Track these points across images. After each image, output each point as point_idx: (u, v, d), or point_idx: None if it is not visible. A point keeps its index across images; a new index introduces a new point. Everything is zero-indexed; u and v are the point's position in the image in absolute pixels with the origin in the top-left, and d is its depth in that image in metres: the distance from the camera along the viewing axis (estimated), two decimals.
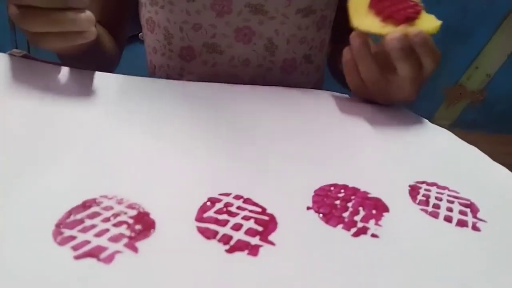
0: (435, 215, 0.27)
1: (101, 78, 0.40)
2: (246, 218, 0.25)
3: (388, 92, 0.41)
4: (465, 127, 1.67)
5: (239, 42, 0.51)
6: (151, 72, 0.59)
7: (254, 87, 0.45)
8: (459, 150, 0.37)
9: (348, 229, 0.25)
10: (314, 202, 0.27)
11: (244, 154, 0.32)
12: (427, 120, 0.43)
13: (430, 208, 0.28)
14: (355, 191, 0.29)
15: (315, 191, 0.28)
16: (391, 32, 0.37)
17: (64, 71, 0.39)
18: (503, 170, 0.34)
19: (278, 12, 0.50)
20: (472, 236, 0.26)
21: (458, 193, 0.30)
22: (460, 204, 0.29)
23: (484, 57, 1.54)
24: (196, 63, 0.53)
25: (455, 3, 1.35)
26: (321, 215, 0.26)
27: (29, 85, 0.36)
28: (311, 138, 0.36)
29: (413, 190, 0.30)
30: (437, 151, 0.36)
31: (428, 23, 0.38)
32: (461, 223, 0.27)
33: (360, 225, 0.25)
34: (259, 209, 0.25)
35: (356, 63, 0.40)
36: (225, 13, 0.49)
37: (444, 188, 0.31)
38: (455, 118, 1.68)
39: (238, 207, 0.25)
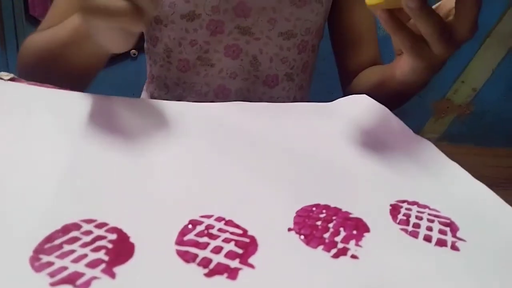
0: (415, 234, 0.28)
1: (86, 99, 0.40)
2: (226, 240, 0.25)
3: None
4: (453, 140, 1.69)
5: (228, 57, 0.58)
6: (150, 81, 0.66)
7: (237, 104, 0.45)
8: (441, 167, 0.38)
9: (328, 250, 0.25)
10: (295, 223, 0.27)
11: (227, 174, 0.32)
12: (412, 132, 0.43)
13: (410, 228, 0.28)
14: (336, 211, 0.29)
15: (297, 212, 0.28)
16: None
17: (51, 93, 0.39)
18: (483, 187, 0.34)
19: (263, 34, 0.58)
20: (451, 256, 0.26)
21: (438, 212, 0.31)
22: (440, 223, 0.29)
23: (470, 72, 1.57)
24: (190, 73, 0.60)
25: None
26: (302, 236, 0.26)
27: (16, 108, 0.36)
28: (294, 156, 0.36)
29: (394, 210, 0.30)
30: (419, 168, 0.37)
31: None
32: (441, 243, 0.27)
33: (340, 246, 0.26)
34: (240, 231, 0.26)
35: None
36: (218, 32, 0.57)
37: (424, 207, 0.31)
38: (443, 132, 1.70)
39: (219, 229, 0.26)
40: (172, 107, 0.42)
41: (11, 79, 0.37)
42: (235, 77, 0.59)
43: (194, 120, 0.40)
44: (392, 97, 0.50)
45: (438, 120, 1.68)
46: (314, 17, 0.59)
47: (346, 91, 0.65)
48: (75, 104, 0.39)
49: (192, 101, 0.59)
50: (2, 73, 0.36)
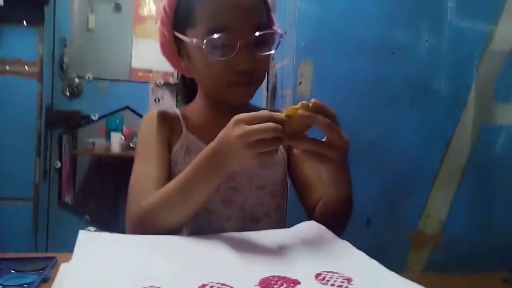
0: (326, 283, 0.50)
1: (156, 241, 0.65)
2: None
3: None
4: (436, 270, 1.84)
5: (224, 206, 0.84)
6: None
7: (229, 234, 0.70)
8: (352, 254, 0.61)
9: None
10: (260, 283, 0.49)
11: (217, 263, 0.55)
12: (339, 238, 0.67)
13: (324, 281, 0.50)
14: (286, 278, 0.51)
15: (259, 281, 0.50)
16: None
17: (127, 239, 0.63)
18: (375, 262, 0.57)
19: (245, 189, 0.86)
20: None
21: (344, 274, 0.53)
22: (343, 278, 0.51)
23: (431, 206, 1.84)
24: (195, 220, 0.81)
25: (389, 170, 1.70)
26: None
27: (100, 252, 0.60)
28: (261, 253, 0.59)
29: (318, 275, 0.53)
30: (338, 256, 0.60)
31: None
32: (339, 286, 0.49)
33: None
34: None
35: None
36: (216, 190, 0.75)
37: (337, 272, 0.53)
38: (425, 262, 1.86)
39: None
40: (189, 242, 0.66)
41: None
42: (229, 220, 0.85)
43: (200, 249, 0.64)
44: (335, 209, 0.79)
45: (418, 252, 1.86)
46: (277, 174, 0.90)
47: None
48: (149, 245, 0.63)
49: None
50: (89, 227, 0.61)
